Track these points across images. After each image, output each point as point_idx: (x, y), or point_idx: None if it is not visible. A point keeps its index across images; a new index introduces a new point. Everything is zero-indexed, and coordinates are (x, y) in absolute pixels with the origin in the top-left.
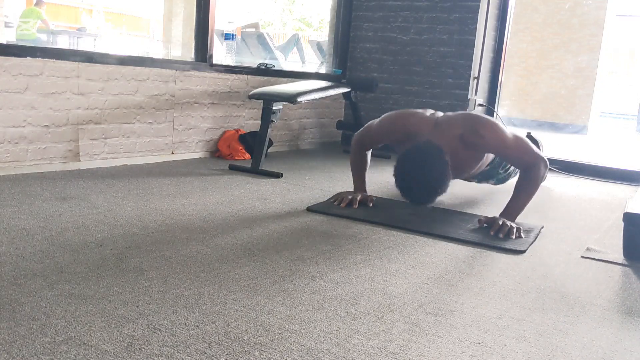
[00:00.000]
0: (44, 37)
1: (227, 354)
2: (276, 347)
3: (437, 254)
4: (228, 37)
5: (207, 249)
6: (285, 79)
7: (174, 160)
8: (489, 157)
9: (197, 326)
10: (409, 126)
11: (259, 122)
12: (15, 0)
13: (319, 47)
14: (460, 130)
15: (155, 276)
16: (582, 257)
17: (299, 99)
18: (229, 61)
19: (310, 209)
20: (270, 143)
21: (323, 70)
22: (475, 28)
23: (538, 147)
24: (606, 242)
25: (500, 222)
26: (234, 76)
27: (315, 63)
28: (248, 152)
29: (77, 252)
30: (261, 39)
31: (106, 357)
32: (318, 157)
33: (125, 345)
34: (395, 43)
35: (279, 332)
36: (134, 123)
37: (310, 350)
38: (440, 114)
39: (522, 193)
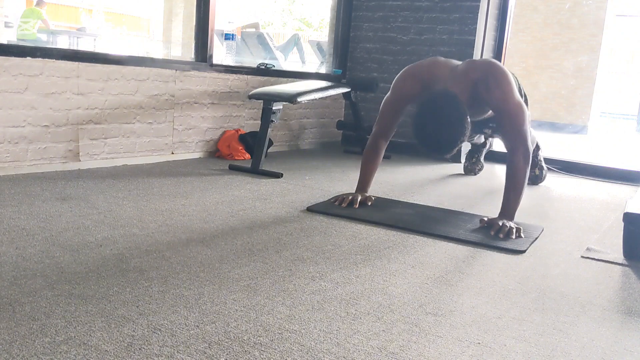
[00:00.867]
0: (44, 37)
1: (227, 354)
2: (276, 347)
3: (437, 254)
4: (228, 37)
5: (207, 249)
6: (285, 79)
7: (174, 160)
8: None
9: (197, 326)
10: (422, 77)
11: (259, 122)
12: (15, 0)
13: (319, 47)
14: (477, 75)
15: (155, 276)
16: (582, 257)
17: (299, 99)
18: (229, 61)
19: (311, 209)
20: (270, 143)
21: (323, 70)
22: (475, 28)
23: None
24: (606, 242)
25: (501, 223)
26: (234, 76)
27: (315, 63)
28: (248, 152)
29: (77, 252)
30: (261, 39)
31: (106, 357)
32: (318, 157)
33: (125, 345)
34: (395, 43)
35: (279, 332)
36: (134, 123)
37: (310, 350)
38: (456, 62)
39: (511, 191)
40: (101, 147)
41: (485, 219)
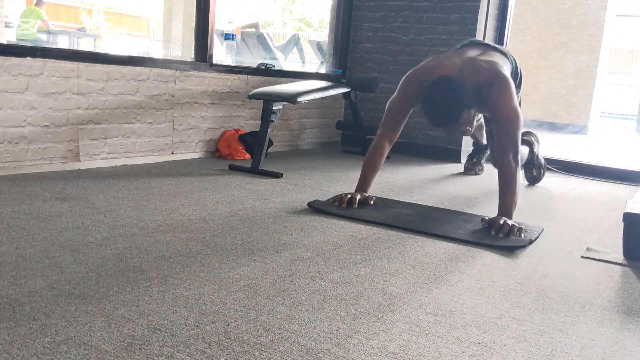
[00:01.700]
0: (44, 37)
1: (227, 354)
2: (276, 347)
3: (437, 254)
4: (228, 37)
5: (207, 249)
6: (285, 79)
7: (174, 160)
8: None
9: (197, 326)
10: (428, 79)
11: (259, 122)
12: (15, 0)
13: (319, 47)
14: (483, 79)
15: (155, 276)
16: (582, 257)
17: (299, 99)
18: (229, 61)
19: (311, 205)
20: (270, 143)
21: (323, 70)
22: (475, 28)
23: (532, 143)
24: (606, 242)
25: (501, 222)
26: (234, 76)
27: (315, 63)
28: (248, 152)
29: (77, 252)
30: (261, 39)
31: (106, 357)
32: (318, 157)
33: (125, 345)
34: (395, 43)
35: (279, 332)
36: (134, 123)
37: (310, 350)
38: (466, 55)
39: (506, 191)
40: (101, 147)
41: (486, 218)
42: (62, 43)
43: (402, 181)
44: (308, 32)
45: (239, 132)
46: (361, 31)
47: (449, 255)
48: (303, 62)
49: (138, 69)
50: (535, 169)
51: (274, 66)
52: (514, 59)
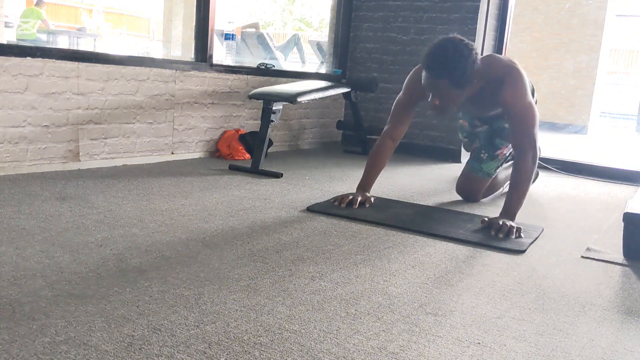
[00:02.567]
0: (44, 37)
1: (227, 354)
2: (276, 347)
3: (437, 254)
4: (228, 37)
5: (207, 249)
6: (285, 79)
7: (174, 160)
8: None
9: (197, 326)
10: None
11: (259, 122)
12: (15, 0)
13: (319, 47)
14: (496, 72)
15: (155, 276)
16: (582, 257)
17: (299, 99)
18: (229, 61)
19: (311, 209)
20: (270, 143)
21: (323, 70)
22: (475, 28)
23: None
24: (606, 242)
25: (501, 222)
26: (234, 76)
27: (315, 63)
28: (248, 152)
29: (77, 252)
30: (261, 39)
31: (106, 357)
32: (318, 157)
33: (125, 345)
34: (395, 43)
35: (279, 332)
36: (134, 123)
37: (310, 350)
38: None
39: (514, 193)
40: (101, 147)
41: (486, 219)
42: (62, 43)
43: (402, 181)
44: (308, 32)
45: (239, 132)
46: (361, 31)
47: (449, 255)
48: (303, 62)
49: (138, 69)
50: None
51: (274, 66)
52: (531, 83)
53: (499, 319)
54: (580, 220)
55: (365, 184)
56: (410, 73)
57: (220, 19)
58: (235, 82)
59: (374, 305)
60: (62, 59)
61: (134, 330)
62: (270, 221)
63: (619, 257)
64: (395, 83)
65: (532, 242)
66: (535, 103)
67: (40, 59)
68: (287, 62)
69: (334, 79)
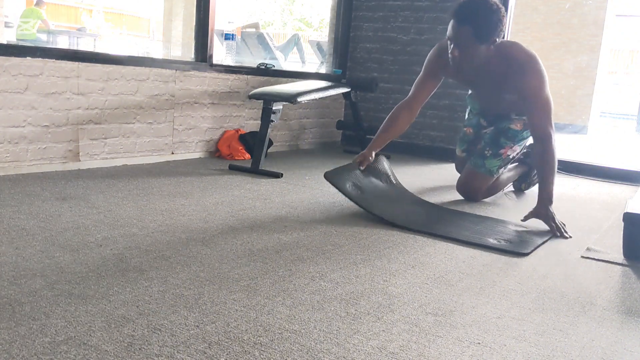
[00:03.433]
0: (44, 37)
1: (227, 354)
2: (276, 347)
3: (437, 254)
4: (228, 37)
5: (207, 249)
6: (285, 79)
7: (174, 160)
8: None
9: (197, 326)
10: None
11: (259, 122)
12: (15, 0)
13: (319, 47)
14: (519, 56)
15: (155, 276)
16: (582, 257)
17: (299, 99)
18: (229, 61)
19: (326, 176)
20: (270, 143)
21: (323, 70)
22: None
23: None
24: (606, 242)
25: (553, 224)
26: (234, 76)
27: (315, 63)
28: (248, 152)
29: (77, 252)
30: (261, 39)
31: (106, 357)
32: (318, 157)
33: (125, 345)
34: (395, 43)
35: (279, 332)
36: (134, 123)
37: (310, 350)
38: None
39: (546, 169)
40: (101, 147)
41: (528, 214)
42: (62, 43)
43: (402, 181)
44: (308, 32)
45: (239, 132)
46: (361, 31)
47: (448, 255)
48: (303, 62)
49: (138, 69)
50: (524, 184)
51: (274, 66)
52: None
53: (499, 319)
54: (580, 220)
55: (373, 145)
56: (434, 48)
57: (220, 19)
58: (235, 82)
59: (374, 305)
60: (62, 59)
61: (134, 330)
62: (270, 221)
63: (619, 257)
64: (395, 83)
65: (537, 247)
66: None
67: (40, 59)
68: (287, 62)
69: (334, 79)
